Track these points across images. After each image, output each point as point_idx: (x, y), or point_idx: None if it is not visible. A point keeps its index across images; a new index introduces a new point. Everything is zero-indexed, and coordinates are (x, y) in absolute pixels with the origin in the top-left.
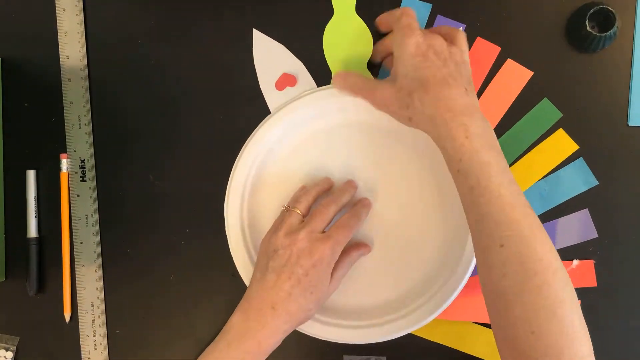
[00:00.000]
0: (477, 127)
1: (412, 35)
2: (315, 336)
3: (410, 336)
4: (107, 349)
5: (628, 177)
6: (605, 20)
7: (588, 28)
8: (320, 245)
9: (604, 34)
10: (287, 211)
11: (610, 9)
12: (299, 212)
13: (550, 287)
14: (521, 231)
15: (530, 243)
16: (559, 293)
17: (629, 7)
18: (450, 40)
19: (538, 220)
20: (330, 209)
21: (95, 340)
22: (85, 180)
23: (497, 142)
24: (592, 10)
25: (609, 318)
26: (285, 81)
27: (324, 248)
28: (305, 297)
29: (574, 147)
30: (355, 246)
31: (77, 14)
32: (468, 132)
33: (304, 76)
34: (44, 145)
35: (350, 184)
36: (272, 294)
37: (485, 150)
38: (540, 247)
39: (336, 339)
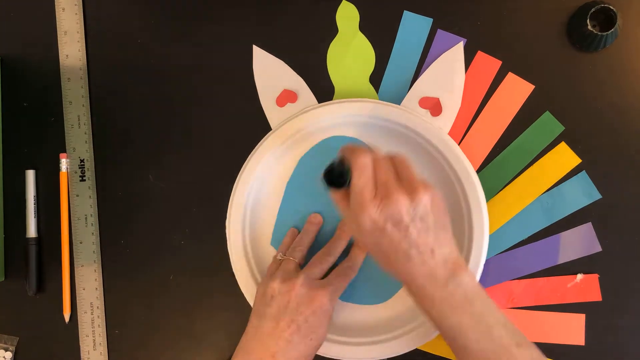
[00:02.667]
0: (442, 293)
1: (365, 209)
2: (320, 354)
3: (416, 351)
4: (106, 349)
5: (631, 190)
6: (607, 18)
7: (589, 27)
8: (319, 292)
9: (605, 33)
10: (282, 259)
11: (612, 7)
12: (295, 260)
13: None
14: None
15: None
16: None
17: (629, 6)
18: (411, 191)
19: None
20: (328, 259)
21: (94, 340)
22: (84, 180)
23: (476, 294)
24: (593, 9)
25: (614, 333)
26: (286, 97)
27: (323, 294)
28: (306, 343)
29: (576, 160)
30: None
31: (76, 14)
32: (434, 302)
33: (305, 92)
34: (43, 145)
35: (343, 233)
36: (271, 342)
37: (455, 314)
38: None
39: (341, 356)
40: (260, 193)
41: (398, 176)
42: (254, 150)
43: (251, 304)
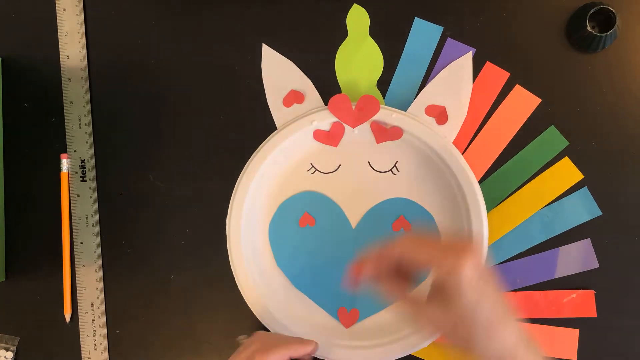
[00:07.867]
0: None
1: (463, 264)
2: (316, 355)
3: (410, 358)
4: (107, 349)
5: (631, 209)
6: (606, 19)
7: (589, 28)
8: None
9: (604, 34)
10: None
11: (611, 8)
12: None
13: None
14: None
15: None
16: None
17: (628, 7)
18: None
19: None
20: None
21: (95, 340)
22: (85, 180)
23: None
24: (592, 11)
25: (608, 349)
26: (293, 98)
27: None
28: None
29: (579, 176)
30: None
31: (77, 14)
32: None
33: (312, 94)
34: (44, 145)
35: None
36: None
37: None
38: None
39: (336, 359)
40: (262, 191)
41: None
42: (257, 149)
43: (250, 304)
